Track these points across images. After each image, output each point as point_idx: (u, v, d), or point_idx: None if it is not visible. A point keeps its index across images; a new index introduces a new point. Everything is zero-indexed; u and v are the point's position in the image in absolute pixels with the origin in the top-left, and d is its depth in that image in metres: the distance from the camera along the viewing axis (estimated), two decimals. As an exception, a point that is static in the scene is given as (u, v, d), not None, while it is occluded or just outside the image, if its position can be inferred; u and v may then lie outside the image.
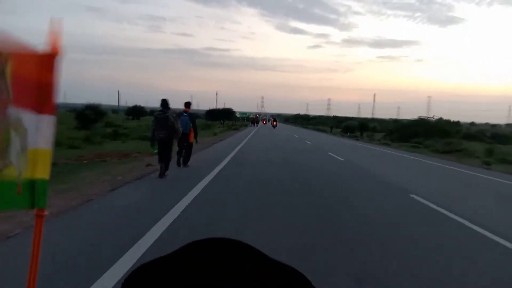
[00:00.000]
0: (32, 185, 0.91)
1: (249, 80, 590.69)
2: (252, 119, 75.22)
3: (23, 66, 0.85)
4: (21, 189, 0.89)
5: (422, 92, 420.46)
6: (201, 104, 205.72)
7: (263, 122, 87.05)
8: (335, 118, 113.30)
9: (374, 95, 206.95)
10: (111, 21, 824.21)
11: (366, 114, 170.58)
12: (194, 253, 0.48)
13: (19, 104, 0.86)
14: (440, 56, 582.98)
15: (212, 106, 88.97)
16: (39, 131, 0.91)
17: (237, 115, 77.37)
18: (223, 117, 78.99)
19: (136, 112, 71.80)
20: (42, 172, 0.93)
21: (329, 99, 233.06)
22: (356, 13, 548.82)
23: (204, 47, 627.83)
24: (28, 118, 0.88)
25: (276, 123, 66.65)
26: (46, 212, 0.95)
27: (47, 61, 0.88)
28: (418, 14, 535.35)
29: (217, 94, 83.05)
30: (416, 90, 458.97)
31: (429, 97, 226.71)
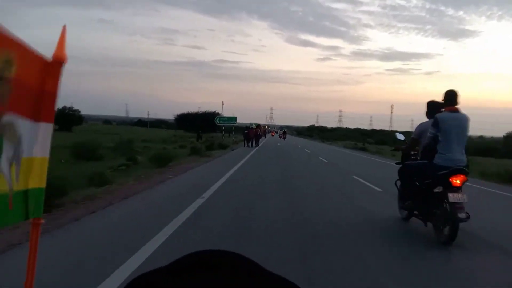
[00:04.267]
0: (25, 195, 0.88)
1: (259, 92, 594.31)
2: (247, 132, 33.17)
3: (26, 71, 0.82)
4: (12, 203, 0.84)
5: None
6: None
7: (271, 134, 74.66)
8: (357, 130, 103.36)
9: (392, 106, 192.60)
10: (124, 33, 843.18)
11: (377, 126, 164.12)
12: (190, 265, 0.48)
13: (15, 110, 0.82)
14: (451, 69, 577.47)
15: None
16: (36, 140, 0.88)
17: (217, 121, 38.06)
18: (201, 126, 46.78)
19: (65, 120, 45.96)
20: (38, 181, 0.90)
21: (340, 111, 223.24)
22: (366, 25, 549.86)
23: (215, 59, 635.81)
24: (24, 125, 0.85)
25: (286, 136, 57.84)
26: (42, 221, 0.92)
27: (51, 69, 0.87)
28: (428, 26, 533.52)
29: (222, 104, 54.48)
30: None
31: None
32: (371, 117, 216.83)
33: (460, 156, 5.06)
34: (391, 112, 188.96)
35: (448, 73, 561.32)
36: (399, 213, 6.28)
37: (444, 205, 4.97)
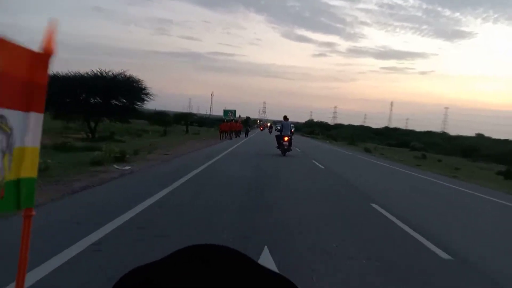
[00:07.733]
0: (17, 185, 0.88)
1: (253, 86, 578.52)
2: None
3: (13, 65, 0.82)
4: (4, 192, 0.84)
5: (426, 105, 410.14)
6: (201, 108, 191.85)
7: (260, 129, 77.94)
8: (365, 128, 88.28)
9: (392, 104, 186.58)
10: (118, 22, 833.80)
11: (372, 124, 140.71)
12: (184, 260, 0.49)
13: (4, 104, 0.82)
14: (445, 69, 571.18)
15: (213, 110, 50.75)
16: (27, 129, 0.88)
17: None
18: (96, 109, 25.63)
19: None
20: (29, 171, 0.90)
21: (335, 107, 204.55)
22: (362, 23, 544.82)
23: (210, 51, 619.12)
24: (15, 116, 0.85)
25: (271, 130, 57.97)
26: (34, 212, 0.90)
27: (40, 60, 0.86)
28: (424, 26, 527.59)
29: (212, 94, 43.08)
30: (421, 102, 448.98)
31: (447, 108, 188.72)
32: (365, 115, 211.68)
33: (287, 133, 19.25)
34: (391, 110, 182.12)
35: (442, 73, 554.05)
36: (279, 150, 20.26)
37: (282, 145, 19.23)
